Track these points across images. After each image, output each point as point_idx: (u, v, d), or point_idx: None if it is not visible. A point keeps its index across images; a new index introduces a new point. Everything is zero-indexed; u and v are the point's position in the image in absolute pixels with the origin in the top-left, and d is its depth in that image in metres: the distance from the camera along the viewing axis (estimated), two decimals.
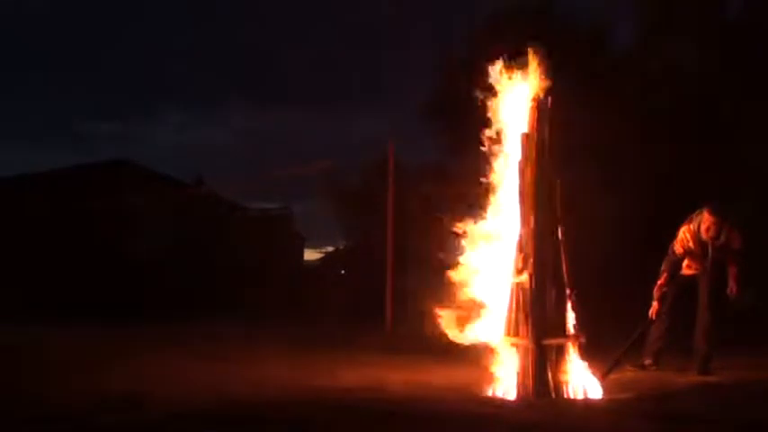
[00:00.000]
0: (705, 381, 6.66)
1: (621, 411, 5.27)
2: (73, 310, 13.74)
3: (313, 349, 9.12)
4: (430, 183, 12.56)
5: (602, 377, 6.16)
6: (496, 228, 6.19)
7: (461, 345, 6.17)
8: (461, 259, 6.20)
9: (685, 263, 7.22)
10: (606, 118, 11.11)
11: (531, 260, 5.73)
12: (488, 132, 6.21)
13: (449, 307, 6.15)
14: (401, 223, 12.00)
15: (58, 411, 5.07)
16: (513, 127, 6.10)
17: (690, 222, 7.13)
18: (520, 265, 5.79)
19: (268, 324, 12.57)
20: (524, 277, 5.71)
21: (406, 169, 14.09)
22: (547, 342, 5.63)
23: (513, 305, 5.76)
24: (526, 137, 5.91)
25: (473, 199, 6.35)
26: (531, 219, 5.78)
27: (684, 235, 7.12)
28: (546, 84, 5.94)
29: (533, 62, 5.97)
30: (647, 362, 7.25)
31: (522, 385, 5.62)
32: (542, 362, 5.60)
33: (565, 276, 5.81)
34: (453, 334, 6.14)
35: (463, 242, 6.21)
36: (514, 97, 6.11)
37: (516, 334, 5.70)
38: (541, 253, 5.74)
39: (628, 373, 6.86)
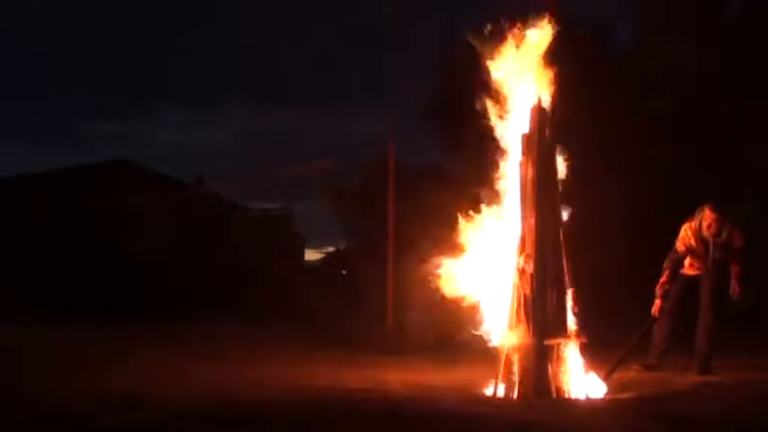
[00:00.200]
0: (706, 381, 6.64)
1: (622, 411, 5.26)
2: (73, 310, 13.73)
3: (313, 349, 9.12)
4: (430, 183, 12.56)
5: (606, 376, 6.16)
6: (498, 227, 6.19)
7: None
8: (462, 259, 6.20)
9: (687, 262, 7.20)
10: (607, 117, 11.12)
11: (532, 260, 5.72)
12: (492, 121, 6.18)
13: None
14: (402, 223, 11.98)
15: (58, 411, 5.06)
16: (516, 127, 6.09)
17: (691, 220, 7.13)
18: (521, 265, 5.78)
19: (268, 324, 12.56)
20: (525, 277, 5.71)
21: (406, 169, 14.08)
22: (548, 342, 5.63)
23: (514, 305, 5.76)
24: (527, 137, 5.90)
25: (474, 199, 6.34)
26: (532, 218, 5.78)
27: (686, 233, 7.12)
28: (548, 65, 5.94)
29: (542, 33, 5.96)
30: (652, 362, 7.24)
31: (522, 385, 5.62)
32: (543, 362, 5.59)
33: (566, 276, 5.81)
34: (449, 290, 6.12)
35: (464, 243, 6.21)
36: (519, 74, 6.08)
37: (517, 333, 5.69)
38: (542, 253, 5.73)
39: (630, 373, 6.84)
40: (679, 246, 7.15)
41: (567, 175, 6.08)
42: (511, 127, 6.17)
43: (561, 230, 5.87)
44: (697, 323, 7.15)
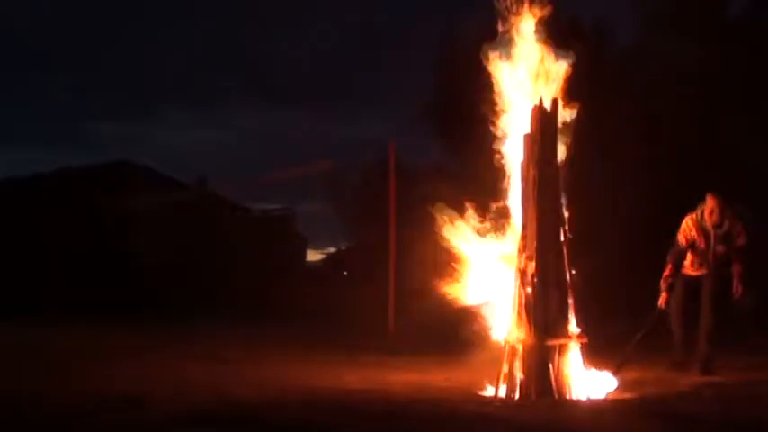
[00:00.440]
0: (708, 381, 6.63)
1: (624, 411, 5.25)
2: (74, 309, 13.72)
3: (314, 350, 9.11)
4: (431, 183, 12.54)
5: (616, 370, 6.16)
6: (499, 228, 6.18)
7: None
8: (462, 260, 6.19)
9: (689, 260, 7.18)
10: (607, 117, 11.11)
11: (534, 261, 5.71)
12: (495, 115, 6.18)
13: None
14: (403, 224, 11.98)
15: (58, 411, 5.05)
16: (518, 124, 6.08)
17: (693, 212, 7.13)
18: (522, 266, 5.77)
19: (269, 324, 12.55)
20: (527, 278, 5.70)
21: (407, 169, 14.07)
22: (549, 342, 5.62)
23: (516, 306, 5.74)
24: (529, 138, 5.89)
25: (474, 199, 6.33)
26: (533, 219, 5.77)
27: (687, 224, 7.11)
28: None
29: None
30: (680, 360, 7.21)
31: (524, 385, 5.61)
32: (545, 362, 5.58)
33: (567, 277, 5.79)
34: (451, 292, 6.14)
35: (465, 242, 6.20)
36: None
37: (519, 334, 5.68)
38: (544, 254, 5.72)
39: (633, 373, 6.81)
40: (680, 238, 7.13)
41: (567, 176, 6.07)
42: (512, 127, 6.16)
43: (562, 231, 5.86)
44: (698, 324, 7.13)
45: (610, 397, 5.81)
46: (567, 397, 5.61)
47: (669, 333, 7.26)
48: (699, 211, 7.09)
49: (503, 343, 5.84)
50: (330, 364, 7.75)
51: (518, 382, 5.65)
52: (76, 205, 17.95)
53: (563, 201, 5.93)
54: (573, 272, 5.79)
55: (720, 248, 7.05)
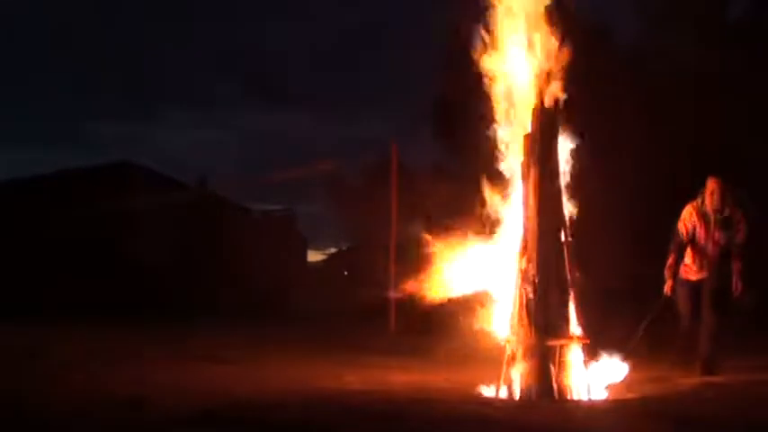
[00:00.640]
0: (709, 382, 6.61)
1: (625, 413, 5.24)
2: (74, 310, 13.72)
3: (315, 350, 9.10)
4: (432, 183, 12.55)
5: (625, 356, 6.20)
6: (500, 229, 6.17)
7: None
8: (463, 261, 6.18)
9: (690, 259, 7.15)
10: (608, 116, 11.09)
11: (535, 262, 5.70)
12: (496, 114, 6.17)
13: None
14: (403, 224, 11.98)
15: (58, 411, 5.04)
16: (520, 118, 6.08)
17: (694, 200, 7.12)
18: (523, 267, 5.76)
19: (269, 325, 12.55)
20: (528, 278, 5.69)
21: (408, 170, 14.07)
22: (550, 343, 5.60)
23: (517, 306, 5.73)
24: (530, 138, 5.88)
25: (475, 200, 6.32)
26: (534, 220, 5.76)
27: (688, 210, 7.09)
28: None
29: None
30: (683, 345, 7.21)
31: (525, 386, 5.59)
32: (545, 363, 5.57)
33: (568, 277, 5.78)
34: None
35: (465, 242, 6.19)
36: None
37: (519, 334, 5.67)
38: (544, 254, 5.71)
39: (633, 374, 6.80)
40: (681, 227, 7.11)
41: (568, 176, 6.06)
42: (513, 128, 6.14)
43: (563, 231, 5.85)
44: (699, 324, 7.12)
45: (611, 398, 5.81)
46: (568, 398, 5.60)
47: (676, 319, 7.25)
48: (699, 199, 7.09)
49: (503, 343, 5.83)
50: (330, 364, 7.73)
51: (518, 382, 5.64)
52: (77, 206, 17.94)
53: (563, 201, 5.92)
54: (576, 273, 5.78)
55: (719, 235, 7.01)
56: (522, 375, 5.63)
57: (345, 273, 23.03)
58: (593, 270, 6.38)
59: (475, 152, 6.41)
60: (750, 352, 8.08)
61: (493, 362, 5.94)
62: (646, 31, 13.72)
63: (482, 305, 6.10)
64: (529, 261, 5.74)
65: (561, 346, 5.66)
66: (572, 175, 6.07)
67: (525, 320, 5.65)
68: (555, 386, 5.56)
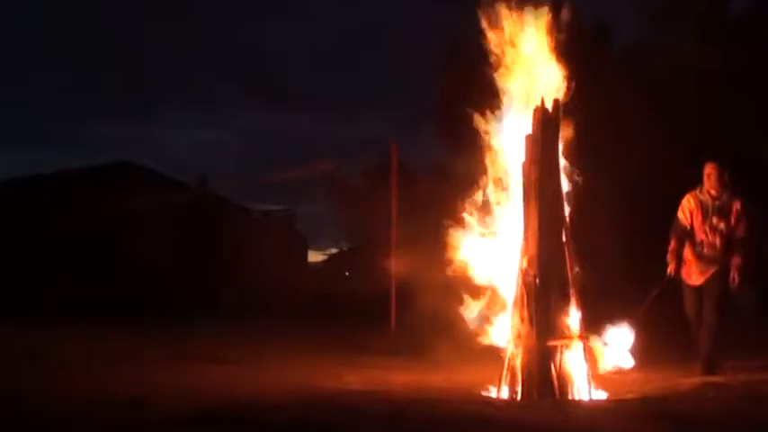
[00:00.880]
0: (710, 382, 6.60)
1: (626, 412, 5.23)
2: (74, 310, 13.70)
3: (316, 351, 9.09)
4: (432, 183, 12.55)
5: (636, 323, 6.50)
6: (501, 229, 6.16)
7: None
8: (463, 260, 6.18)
9: (691, 258, 7.14)
10: (609, 115, 11.09)
11: (535, 261, 5.70)
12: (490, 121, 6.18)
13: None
14: (404, 224, 11.97)
15: (58, 411, 5.04)
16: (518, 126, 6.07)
17: (694, 190, 7.14)
18: (524, 267, 5.76)
19: (270, 325, 12.53)
20: (528, 278, 5.68)
21: (408, 170, 14.07)
22: (551, 343, 5.60)
23: (518, 306, 5.73)
24: (530, 138, 5.87)
25: (476, 199, 6.32)
26: (535, 220, 5.75)
27: (687, 199, 7.12)
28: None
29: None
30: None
31: (525, 386, 5.59)
32: (546, 363, 5.57)
33: (569, 277, 5.77)
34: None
35: (466, 243, 6.19)
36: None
37: (520, 334, 5.66)
38: (545, 254, 5.71)
39: (633, 375, 6.79)
40: (680, 215, 7.14)
41: (568, 176, 6.05)
42: (514, 128, 6.14)
43: (564, 231, 5.84)
44: (701, 325, 7.11)
45: (612, 398, 5.80)
46: (569, 397, 5.59)
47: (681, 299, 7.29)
48: (699, 188, 7.11)
49: (505, 344, 5.83)
50: (330, 364, 7.73)
51: (520, 382, 5.63)
52: (77, 206, 17.93)
53: (564, 201, 5.92)
54: (576, 270, 5.78)
55: (717, 221, 7.01)
56: (522, 375, 5.62)
57: (346, 273, 23.03)
58: (594, 267, 6.38)
59: (476, 152, 6.41)
60: (750, 352, 8.08)
61: (494, 362, 5.94)
62: (647, 28, 13.72)
63: (482, 303, 6.11)
64: (529, 261, 5.73)
65: (562, 346, 5.65)
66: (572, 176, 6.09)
67: (526, 320, 5.65)
68: (556, 386, 5.55)
